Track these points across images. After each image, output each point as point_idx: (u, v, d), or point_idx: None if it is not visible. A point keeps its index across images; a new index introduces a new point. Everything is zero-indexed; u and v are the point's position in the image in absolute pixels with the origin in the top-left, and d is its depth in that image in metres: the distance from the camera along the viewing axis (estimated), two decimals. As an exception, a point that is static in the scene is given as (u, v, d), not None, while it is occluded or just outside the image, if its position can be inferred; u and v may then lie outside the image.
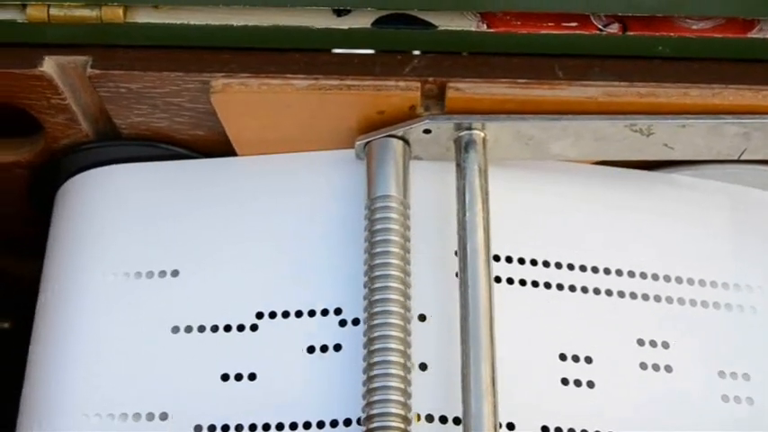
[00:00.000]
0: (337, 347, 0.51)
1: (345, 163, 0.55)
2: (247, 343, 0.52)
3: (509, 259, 0.54)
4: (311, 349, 0.51)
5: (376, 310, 0.50)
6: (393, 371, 0.49)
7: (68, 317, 0.54)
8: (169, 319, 0.53)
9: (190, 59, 0.53)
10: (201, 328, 0.53)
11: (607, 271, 0.54)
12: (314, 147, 0.56)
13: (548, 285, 0.53)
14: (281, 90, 0.53)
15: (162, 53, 0.54)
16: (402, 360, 0.49)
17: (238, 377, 0.51)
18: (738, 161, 0.56)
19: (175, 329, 0.53)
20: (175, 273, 0.54)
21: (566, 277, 0.54)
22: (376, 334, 0.49)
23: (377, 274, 0.51)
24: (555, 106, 0.53)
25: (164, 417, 0.51)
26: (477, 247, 0.51)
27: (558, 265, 0.54)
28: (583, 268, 0.54)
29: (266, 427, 0.50)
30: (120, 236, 0.55)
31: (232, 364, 0.51)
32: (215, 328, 0.52)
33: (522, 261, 0.54)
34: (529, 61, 0.53)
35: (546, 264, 0.54)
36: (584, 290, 0.54)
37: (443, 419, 0.49)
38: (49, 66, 0.53)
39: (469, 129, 0.53)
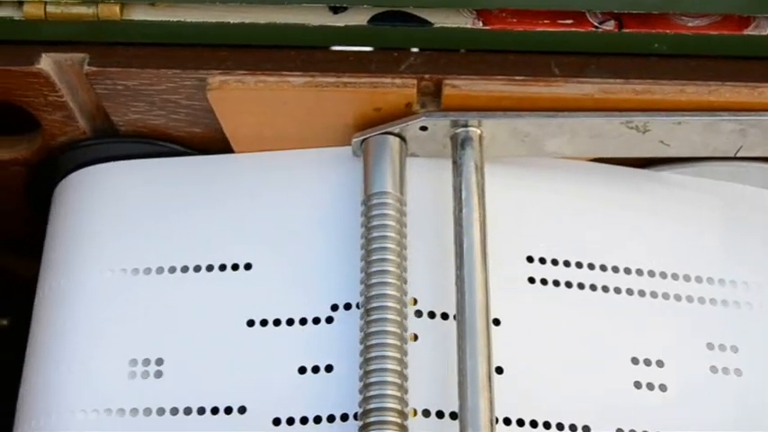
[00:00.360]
0: (414, 337, 0.51)
1: (342, 160, 0.55)
2: (320, 335, 0.52)
3: (567, 263, 0.54)
4: None
5: (373, 305, 0.50)
6: (389, 366, 0.49)
7: (67, 313, 0.54)
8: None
9: (187, 57, 0.54)
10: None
11: (662, 275, 0.55)
12: (311, 144, 0.56)
13: (617, 290, 0.54)
14: (278, 87, 0.53)
15: (159, 50, 0.54)
16: (399, 355, 0.49)
17: (315, 369, 0.51)
18: (735, 158, 0.56)
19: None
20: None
21: (630, 282, 0.54)
22: (372, 330, 0.49)
23: (373, 269, 0.51)
24: (551, 103, 0.53)
25: (242, 410, 0.51)
26: (474, 243, 0.51)
27: (604, 268, 0.54)
28: (640, 272, 0.54)
29: (344, 417, 0.50)
30: (118, 233, 0.55)
31: (309, 357, 0.52)
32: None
33: (567, 264, 0.54)
34: (525, 58, 0.54)
35: (591, 266, 0.54)
36: (654, 294, 0.54)
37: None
38: (46, 63, 0.53)
39: (466, 126, 0.54)
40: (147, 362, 0.52)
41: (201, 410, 0.51)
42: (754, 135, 0.54)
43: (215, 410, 0.51)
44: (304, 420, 0.50)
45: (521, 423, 0.50)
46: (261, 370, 0.51)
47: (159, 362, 0.52)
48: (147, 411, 0.51)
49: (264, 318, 0.53)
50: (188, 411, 0.51)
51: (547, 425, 0.50)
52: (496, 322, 0.52)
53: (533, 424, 0.50)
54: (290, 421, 0.50)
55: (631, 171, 0.57)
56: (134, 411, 0.51)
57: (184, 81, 0.53)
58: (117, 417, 0.51)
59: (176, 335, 0.53)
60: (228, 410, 0.51)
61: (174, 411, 0.51)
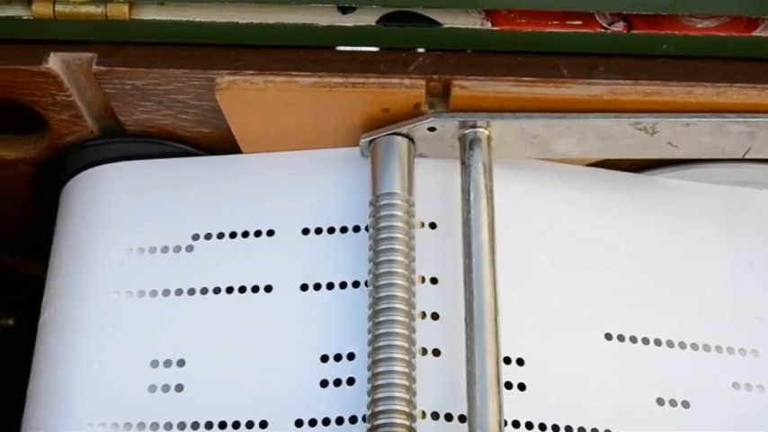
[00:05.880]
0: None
1: (350, 161, 0.55)
2: None
3: None
4: None
5: (381, 307, 0.50)
6: (398, 368, 0.49)
7: (74, 315, 0.54)
8: None
9: (195, 56, 0.54)
10: None
11: None
12: (319, 144, 0.56)
13: None
14: (286, 87, 0.53)
15: (167, 50, 0.54)
16: (407, 357, 0.49)
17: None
18: (743, 160, 0.56)
19: None
20: None
21: None
22: (381, 331, 0.49)
23: (381, 271, 0.51)
24: (559, 104, 0.53)
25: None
26: (482, 244, 0.51)
27: None
28: None
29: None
30: (125, 232, 0.55)
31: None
32: None
33: None
34: (533, 59, 0.54)
35: None
36: None
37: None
38: (54, 62, 0.53)
39: (474, 127, 0.53)
40: (167, 363, 0.52)
41: (223, 425, 0.51)
42: (762, 137, 0.54)
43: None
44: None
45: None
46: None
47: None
48: (168, 426, 0.51)
49: None
50: (209, 426, 0.51)
51: (555, 428, 0.50)
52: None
53: (542, 427, 0.50)
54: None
55: (638, 177, 0.57)
56: (154, 425, 0.51)
57: (192, 81, 0.53)
58: (137, 430, 0.51)
59: (191, 343, 0.53)
60: (250, 424, 0.50)
61: (196, 426, 0.51)
